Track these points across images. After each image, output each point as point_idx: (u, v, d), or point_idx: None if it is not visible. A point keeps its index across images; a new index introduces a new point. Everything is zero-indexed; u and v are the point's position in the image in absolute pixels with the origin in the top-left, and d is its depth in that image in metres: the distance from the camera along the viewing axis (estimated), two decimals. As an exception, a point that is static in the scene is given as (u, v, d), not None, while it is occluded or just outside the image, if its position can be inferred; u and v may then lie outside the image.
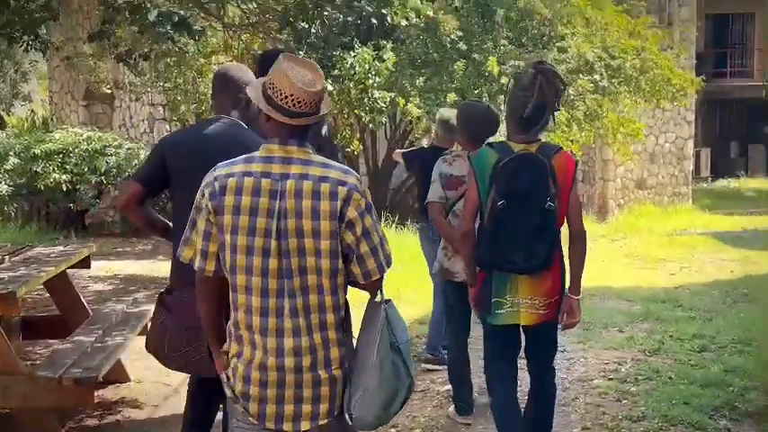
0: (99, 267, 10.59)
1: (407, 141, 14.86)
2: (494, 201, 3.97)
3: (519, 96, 4.08)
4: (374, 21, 6.67)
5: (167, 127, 14.76)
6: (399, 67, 12.44)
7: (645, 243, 14.11)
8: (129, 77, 11.72)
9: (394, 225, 12.66)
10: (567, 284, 4.20)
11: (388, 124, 15.26)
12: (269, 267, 2.81)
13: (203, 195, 2.87)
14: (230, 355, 2.94)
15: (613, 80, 12.93)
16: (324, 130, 4.72)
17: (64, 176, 13.40)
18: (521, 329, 4.27)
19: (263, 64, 4.45)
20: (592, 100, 12.79)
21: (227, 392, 2.96)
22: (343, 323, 2.95)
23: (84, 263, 6.15)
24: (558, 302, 4.14)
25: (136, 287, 9.54)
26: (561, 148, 4.24)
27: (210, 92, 4.58)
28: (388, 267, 2.98)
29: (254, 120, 3.74)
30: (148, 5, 5.96)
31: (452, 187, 5.14)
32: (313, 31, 6.77)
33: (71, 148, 13.75)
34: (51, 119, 17.01)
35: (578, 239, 4.16)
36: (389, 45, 9.69)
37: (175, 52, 9.57)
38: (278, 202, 2.81)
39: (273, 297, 2.83)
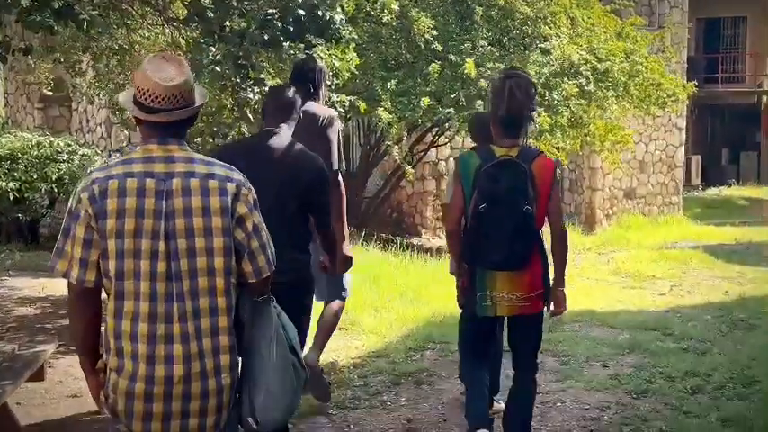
0: (33, 286, 9.70)
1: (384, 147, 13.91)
2: (476, 203, 4.26)
3: (494, 103, 4.40)
4: (301, 12, 5.72)
5: (126, 132, 13.85)
6: (370, 70, 11.62)
7: (633, 258, 13.26)
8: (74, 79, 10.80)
9: (361, 240, 11.77)
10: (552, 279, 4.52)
11: (361, 129, 14.39)
12: (158, 270, 2.74)
13: (80, 201, 2.75)
14: (109, 371, 2.79)
15: (600, 84, 12.05)
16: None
17: (11, 184, 12.46)
18: (498, 323, 4.71)
19: (294, 73, 5.62)
20: (577, 105, 11.93)
21: (108, 412, 2.82)
22: (233, 326, 2.88)
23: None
24: (540, 297, 4.42)
25: (65, 311, 8.59)
26: (542, 152, 4.51)
27: None
28: (274, 264, 2.96)
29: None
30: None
31: None
32: (227, 23, 5.82)
33: (19, 154, 12.83)
34: (6, 122, 16.05)
35: (559, 239, 4.49)
36: (352, 45, 8.83)
37: (115, 50, 8.68)
38: (165, 202, 2.75)
39: (162, 302, 2.74)
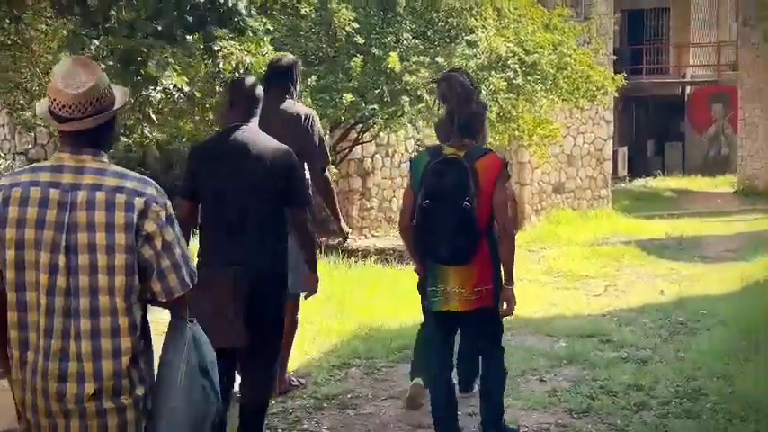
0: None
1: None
2: (421, 199, 4.44)
3: (441, 106, 4.72)
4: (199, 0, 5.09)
5: (33, 134, 13.04)
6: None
7: (565, 255, 12.92)
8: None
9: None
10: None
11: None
12: (56, 285, 2.66)
13: None
14: (16, 385, 2.76)
15: (529, 78, 11.65)
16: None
17: None
18: (457, 319, 4.65)
19: (268, 75, 5.58)
20: (505, 99, 11.50)
21: (22, 427, 2.81)
22: (140, 346, 2.79)
23: None
24: (490, 291, 4.52)
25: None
26: (490, 151, 4.66)
27: None
28: (192, 284, 2.85)
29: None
30: None
31: None
32: (112, 12, 5.16)
33: None
34: None
35: (505, 236, 4.60)
36: (267, 38, 8.22)
37: (8, 45, 7.93)
38: (68, 214, 2.68)
39: (60, 317, 2.67)
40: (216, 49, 7.12)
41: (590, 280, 11.12)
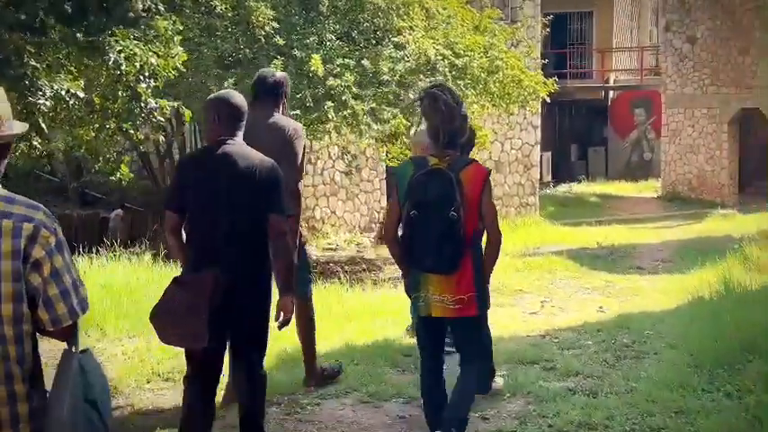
0: None
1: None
2: (407, 210, 4.59)
3: (424, 119, 4.81)
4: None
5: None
6: (203, 67, 10.28)
7: (497, 267, 12.33)
8: None
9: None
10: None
11: (192, 137, 12.95)
12: None
13: None
14: None
15: (459, 81, 11.05)
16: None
17: None
18: (443, 322, 4.82)
19: (259, 85, 5.75)
20: (434, 105, 10.89)
21: None
22: (32, 375, 2.73)
23: None
24: (472, 300, 4.65)
25: None
26: (473, 161, 4.86)
27: None
28: (83, 313, 2.78)
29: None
30: None
31: None
32: None
33: None
34: None
35: (492, 243, 4.75)
36: (178, 38, 7.46)
37: None
38: None
39: None
40: (117, 48, 6.37)
41: (524, 295, 10.59)
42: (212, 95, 4.91)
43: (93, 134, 7.29)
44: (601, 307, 9.66)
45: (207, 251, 4.47)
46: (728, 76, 24.43)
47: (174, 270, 7.56)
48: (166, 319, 4.40)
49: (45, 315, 2.69)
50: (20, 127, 2.84)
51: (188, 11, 9.45)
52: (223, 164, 4.44)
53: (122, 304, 8.10)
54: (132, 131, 7.18)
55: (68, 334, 2.79)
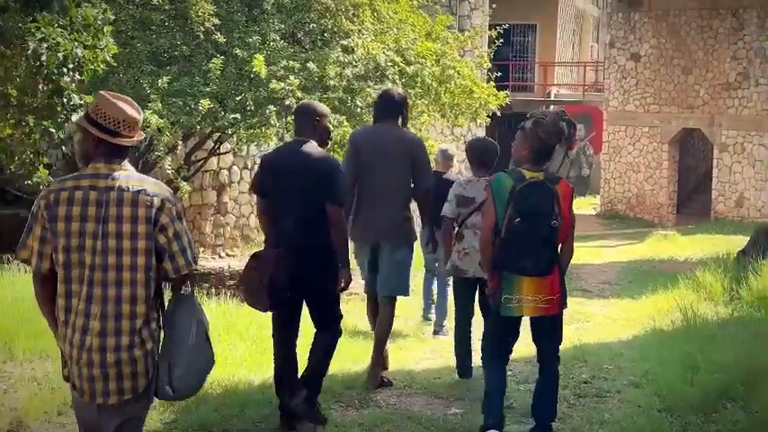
0: None
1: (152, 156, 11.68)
2: (511, 217, 5.07)
3: (526, 139, 5.28)
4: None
5: None
6: (136, 62, 9.52)
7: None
8: None
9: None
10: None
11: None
12: (95, 263, 3.50)
13: (39, 207, 3.55)
14: (61, 342, 3.57)
15: (409, 90, 10.45)
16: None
17: None
18: (520, 321, 5.43)
19: (383, 104, 6.70)
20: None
21: (64, 372, 3.65)
22: (153, 312, 3.63)
23: None
24: (558, 300, 5.25)
25: None
26: (561, 178, 5.33)
27: None
28: (195, 264, 3.69)
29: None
30: None
31: (466, 205, 6.64)
32: None
33: None
34: None
35: (569, 251, 5.41)
36: (108, 29, 6.73)
37: None
38: (103, 209, 3.51)
39: (99, 287, 3.51)
40: (39, 37, 5.62)
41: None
42: (305, 102, 6.27)
43: (9, 131, 6.53)
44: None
45: (285, 227, 5.45)
46: (671, 96, 24.31)
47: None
48: (244, 289, 5.64)
49: (169, 265, 3.59)
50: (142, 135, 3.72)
51: (121, 1, 8.70)
52: (296, 159, 5.45)
53: (35, 320, 7.30)
54: (54, 129, 6.42)
55: (185, 280, 3.68)
